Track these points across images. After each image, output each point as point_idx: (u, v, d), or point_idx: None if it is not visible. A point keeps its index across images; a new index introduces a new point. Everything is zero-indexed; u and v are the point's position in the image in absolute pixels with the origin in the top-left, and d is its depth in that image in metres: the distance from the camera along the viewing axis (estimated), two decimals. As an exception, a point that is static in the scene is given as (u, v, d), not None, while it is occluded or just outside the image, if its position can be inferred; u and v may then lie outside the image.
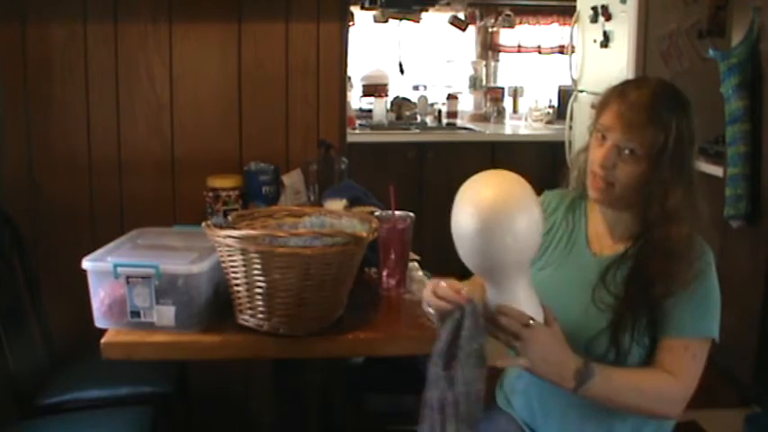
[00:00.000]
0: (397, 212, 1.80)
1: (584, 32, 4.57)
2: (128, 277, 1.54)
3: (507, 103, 5.52)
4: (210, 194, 2.30)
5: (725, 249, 3.15)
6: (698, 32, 3.98)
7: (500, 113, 5.40)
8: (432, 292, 1.30)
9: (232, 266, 1.51)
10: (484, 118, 5.45)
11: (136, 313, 1.55)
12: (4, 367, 1.94)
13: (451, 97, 5.38)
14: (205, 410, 2.61)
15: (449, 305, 1.27)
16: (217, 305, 1.62)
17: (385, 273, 1.81)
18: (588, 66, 4.56)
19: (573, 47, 4.70)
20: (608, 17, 4.24)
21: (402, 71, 5.32)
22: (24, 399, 2.02)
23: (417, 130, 4.98)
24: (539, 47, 5.62)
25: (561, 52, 5.45)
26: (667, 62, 3.99)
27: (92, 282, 1.58)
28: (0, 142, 2.46)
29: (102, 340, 1.53)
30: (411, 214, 1.83)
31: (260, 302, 1.50)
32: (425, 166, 4.62)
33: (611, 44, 4.24)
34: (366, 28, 5.23)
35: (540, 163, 4.57)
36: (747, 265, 3.16)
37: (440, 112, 5.31)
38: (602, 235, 1.51)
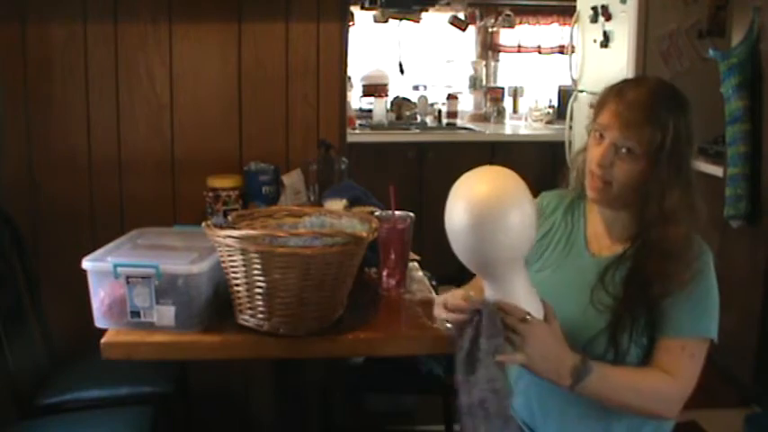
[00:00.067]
0: (397, 212, 1.80)
1: (584, 32, 4.57)
2: (128, 277, 1.54)
3: (507, 103, 5.52)
4: (210, 194, 2.30)
5: (724, 249, 3.15)
6: (698, 32, 3.98)
7: (500, 113, 5.40)
8: (443, 308, 1.31)
9: (232, 266, 1.51)
10: (484, 118, 5.45)
11: (136, 313, 1.55)
12: (4, 367, 1.94)
13: (451, 97, 5.38)
14: (205, 410, 2.61)
15: (465, 315, 1.27)
16: (217, 305, 1.62)
17: (385, 273, 1.81)
18: (588, 66, 4.56)
19: (573, 47, 4.70)
20: (608, 17, 4.23)
21: (402, 71, 5.32)
22: (24, 399, 2.02)
23: (417, 130, 4.99)
24: (539, 47, 5.62)
25: (561, 52, 5.45)
26: (667, 62, 3.99)
27: (92, 282, 1.58)
28: (0, 142, 2.46)
29: (102, 340, 1.54)
30: (411, 214, 1.83)
31: (260, 302, 1.51)
32: (425, 166, 4.62)
33: (611, 44, 4.23)
34: (366, 28, 5.23)
35: (540, 163, 4.56)
36: (747, 266, 3.16)
37: (440, 112, 5.32)
38: (601, 235, 1.50)
